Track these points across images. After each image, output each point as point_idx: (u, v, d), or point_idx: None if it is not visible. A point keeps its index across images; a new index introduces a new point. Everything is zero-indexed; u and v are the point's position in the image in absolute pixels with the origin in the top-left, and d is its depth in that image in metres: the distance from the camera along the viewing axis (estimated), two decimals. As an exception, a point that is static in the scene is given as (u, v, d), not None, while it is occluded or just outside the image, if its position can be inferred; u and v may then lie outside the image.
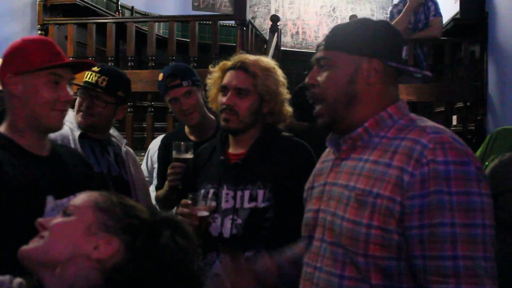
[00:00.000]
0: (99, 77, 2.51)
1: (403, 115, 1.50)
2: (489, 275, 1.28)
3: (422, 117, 1.53)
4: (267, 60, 2.33)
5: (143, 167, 3.35)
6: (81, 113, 2.52)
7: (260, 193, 2.14)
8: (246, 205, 2.15)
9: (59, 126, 1.88)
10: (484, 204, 1.31)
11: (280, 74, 2.31)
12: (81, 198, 1.29)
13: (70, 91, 1.86)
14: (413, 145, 1.37)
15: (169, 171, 2.54)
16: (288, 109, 2.33)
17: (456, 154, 1.33)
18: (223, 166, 2.24)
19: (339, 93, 1.51)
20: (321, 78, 1.53)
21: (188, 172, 2.44)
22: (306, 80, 1.57)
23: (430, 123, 1.46)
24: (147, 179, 3.22)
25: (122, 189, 2.54)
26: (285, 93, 2.31)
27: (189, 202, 2.11)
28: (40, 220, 1.27)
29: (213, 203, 2.17)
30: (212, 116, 2.96)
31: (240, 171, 2.20)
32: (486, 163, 2.56)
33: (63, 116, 1.87)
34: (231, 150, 2.30)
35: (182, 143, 2.56)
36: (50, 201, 1.77)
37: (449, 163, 1.31)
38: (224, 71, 2.30)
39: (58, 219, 1.25)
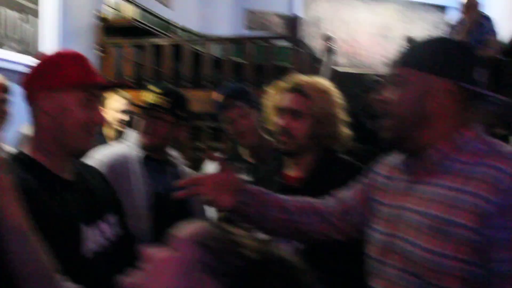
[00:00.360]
0: (161, 98, 2.54)
1: (482, 139, 1.44)
2: None
3: (499, 141, 1.46)
4: (323, 82, 2.30)
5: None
6: (144, 134, 2.56)
7: None
8: None
9: (86, 149, 1.73)
10: None
11: (336, 95, 2.28)
12: (186, 231, 1.17)
13: (101, 111, 1.71)
14: (493, 172, 1.31)
15: None
16: (346, 131, 2.29)
17: None
18: (282, 188, 2.22)
19: (409, 111, 1.46)
20: (393, 95, 1.49)
21: None
22: (378, 96, 1.56)
23: (510, 147, 1.41)
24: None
25: (180, 208, 2.57)
26: (342, 115, 2.28)
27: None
28: (147, 251, 1.16)
29: None
30: (268, 138, 2.96)
31: (299, 194, 2.18)
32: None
33: (92, 138, 1.69)
34: (289, 173, 2.28)
35: (238, 164, 2.55)
36: (84, 229, 1.64)
37: None
38: (279, 92, 2.29)
39: (162, 253, 1.15)
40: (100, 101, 1.73)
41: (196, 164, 5.36)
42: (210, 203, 1.68)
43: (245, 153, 2.93)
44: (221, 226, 1.18)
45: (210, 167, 3.33)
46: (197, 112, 5.40)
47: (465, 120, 1.47)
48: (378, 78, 4.79)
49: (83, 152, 1.76)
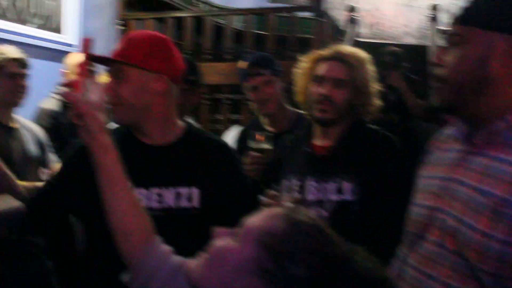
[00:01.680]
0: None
1: None
2: None
3: None
4: (362, 52, 2.30)
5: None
6: None
7: (347, 186, 2.10)
8: (332, 197, 2.11)
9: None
10: None
11: (372, 67, 2.29)
12: (257, 223, 1.05)
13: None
14: None
15: (247, 161, 2.51)
16: (378, 102, 2.30)
17: None
18: (309, 157, 2.22)
19: (468, 75, 1.28)
20: (449, 57, 1.32)
21: (271, 163, 2.42)
22: (433, 59, 1.40)
23: None
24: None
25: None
26: (376, 86, 2.29)
27: (275, 193, 2.01)
28: (217, 232, 1.10)
29: (298, 195, 2.15)
30: (290, 108, 2.95)
31: (327, 163, 2.17)
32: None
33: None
34: (317, 142, 2.27)
35: (259, 132, 2.55)
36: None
37: None
38: (316, 62, 2.28)
39: (221, 242, 1.07)
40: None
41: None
42: None
43: (266, 122, 2.93)
44: (298, 218, 1.03)
45: (230, 138, 3.33)
46: (217, 84, 5.40)
47: None
48: (397, 49, 4.72)
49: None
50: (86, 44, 1.46)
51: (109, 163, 1.36)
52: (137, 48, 1.77)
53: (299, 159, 2.26)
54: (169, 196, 1.80)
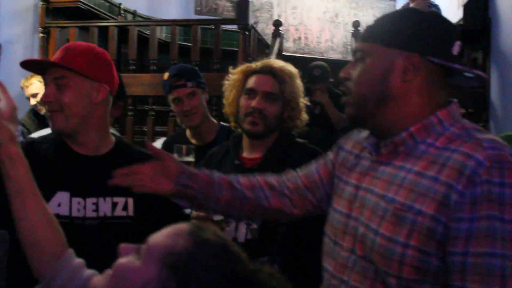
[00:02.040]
0: None
1: (455, 121, 1.33)
2: None
3: (477, 125, 1.35)
4: (292, 67, 2.33)
5: (143, 170, 3.32)
6: None
7: None
8: None
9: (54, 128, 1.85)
10: None
11: (300, 81, 2.32)
12: (161, 241, 1.02)
13: (46, 91, 1.80)
14: (466, 160, 1.19)
15: None
16: (305, 116, 2.33)
17: None
18: (237, 170, 2.22)
19: (370, 88, 1.36)
20: (354, 71, 1.40)
21: None
22: (340, 73, 1.44)
23: (487, 135, 1.28)
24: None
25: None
26: (303, 100, 2.32)
27: None
28: (122, 249, 1.07)
29: None
30: (214, 120, 2.95)
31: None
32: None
33: (51, 117, 1.81)
34: (245, 154, 2.29)
35: (183, 146, 2.54)
36: (61, 196, 1.75)
37: (504, 186, 1.15)
38: (247, 74, 2.29)
39: (124, 261, 1.04)
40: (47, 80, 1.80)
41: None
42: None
43: (190, 135, 2.91)
44: (203, 237, 1.01)
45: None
46: (142, 95, 5.34)
47: (440, 100, 1.36)
48: (323, 64, 4.81)
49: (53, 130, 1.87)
50: None
51: (18, 174, 1.31)
52: (80, 56, 1.77)
53: (227, 171, 2.25)
54: (105, 206, 1.81)
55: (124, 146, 1.97)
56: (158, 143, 3.25)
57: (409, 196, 1.25)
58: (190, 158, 2.49)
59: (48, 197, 1.62)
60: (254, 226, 2.11)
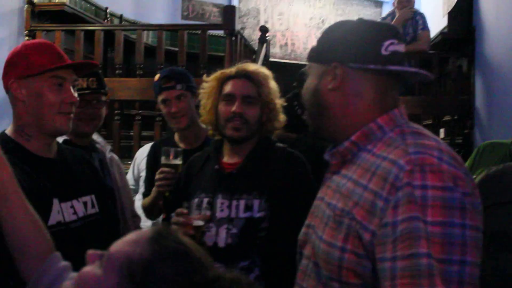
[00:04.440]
0: (87, 80, 2.49)
1: (395, 126, 1.35)
2: None
3: (420, 128, 1.36)
4: (265, 69, 2.35)
5: (129, 175, 3.32)
6: (81, 121, 2.49)
7: (256, 202, 2.12)
8: (241, 214, 2.13)
9: (66, 129, 1.84)
10: (466, 238, 1.13)
11: (275, 83, 2.33)
12: (119, 246, 1.02)
13: (74, 92, 1.83)
14: (390, 167, 1.22)
15: (157, 176, 2.52)
16: (283, 117, 2.34)
17: (438, 178, 1.16)
18: (218, 175, 2.23)
19: (310, 102, 1.47)
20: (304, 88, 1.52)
21: (180, 180, 2.42)
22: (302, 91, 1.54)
23: (420, 139, 1.29)
24: (132, 187, 3.19)
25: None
26: (280, 102, 2.33)
27: (185, 211, 2.07)
28: (90, 255, 1.06)
29: (208, 212, 2.15)
30: (203, 125, 2.95)
31: (235, 181, 2.19)
32: (474, 176, 2.56)
33: (69, 119, 1.82)
34: (225, 159, 2.29)
35: (171, 148, 2.54)
36: (55, 203, 1.75)
37: (427, 188, 1.15)
38: (222, 81, 2.29)
39: (88, 269, 1.03)
40: (72, 82, 1.83)
41: (126, 152, 5.29)
42: None
43: (178, 139, 2.91)
44: (163, 244, 1.00)
45: (141, 155, 3.28)
46: (128, 100, 5.32)
47: (385, 105, 1.38)
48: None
49: (63, 132, 1.88)
50: None
51: (3, 178, 1.33)
52: None
53: (209, 176, 2.26)
54: (79, 207, 1.84)
55: (63, 147, 1.99)
56: (145, 148, 3.25)
57: (346, 203, 1.29)
58: (178, 161, 2.50)
59: (43, 205, 1.66)
60: (234, 230, 2.12)
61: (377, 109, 1.37)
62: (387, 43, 1.36)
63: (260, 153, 2.25)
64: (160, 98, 2.86)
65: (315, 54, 1.46)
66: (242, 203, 2.14)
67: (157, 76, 2.89)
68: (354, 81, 1.37)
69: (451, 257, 1.11)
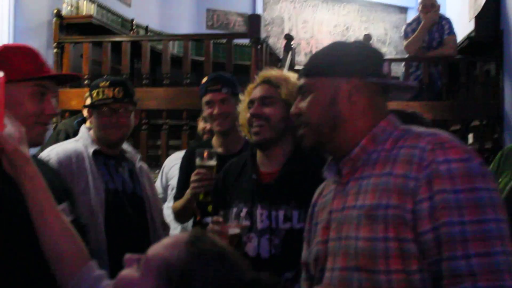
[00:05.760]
0: (113, 90, 2.51)
1: (396, 127, 1.49)
2: (511, 269, 1.22)
3: (411, 125, 1.50)
4: (287, 72, 2.36)
5: (157, 184, 3.34)
6: (107, 130, 2.51)
7: (295, 213, 2.11)
8: (282, 225, 2.11)
9: (41, 141, 1.74)
10: (493, 199, 1.28)
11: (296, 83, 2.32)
12: (159, 253, 1.03)
13: (55, 104, 1.72)
14: (412, 150, 1.35)
15: (192, 177, 2.50)
16: None
17: (456, 152, 1.31)
18: (256, 185, 2.20)
19: (323, 115, 1.50)
20: (304, 104, 1.54)
21: (217, 188, 2.40)
22: (291, 110, 1.58)
23: (424, 129, 1.45)
24: (160, 196, 3.21)
25: (136, 205, 2.53)
26: None
27: (220, 219, 2.05)
28: (126, 257, 1.08)
29: (246, 222, 2.13)
30: (242, 133, 2.95)
31: (274, 191, 2.16)
32: (500, 179, 2.52)
33: (45, 130, 1.72)
34: (262, 168, 2.26)
35: (205, 150, 2.54)
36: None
37: (450, 162, 1.29)
38: (250, 93, 2.30)
39: (126, 272, 1.05)
40: (54, 93, 1.72)
41: (154, 162, 5.33)
42: None
43: (216, 144, 2.91)
44: (201, 247, 1.01)
45: (169, 164, 3.30)
46: (155, 109, 5.36)
47: (380, 112, 1.51)
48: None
49: (37, 144, 1.75)
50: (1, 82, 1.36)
51: (38, 191, 1.35)
52: None
53: (247, 186, 2.24)
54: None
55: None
56: (173, 157, 3.27)
57: (374, 197, 1.37)
58: (213, 162, 2.51)
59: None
60: (276, 241, 2.10)
61: (378, 115, 1.50)
62: (385, 64, 1.56)
63: (298, 160, 2.20)
64: (204, 99, 2.87)
65: (325, 69, 1.52)
66: (281, 213, 2.12)
67: (205, 78, 2.93)
68: (367, 93, 1.49)
69: (486, 217, 1.25)
